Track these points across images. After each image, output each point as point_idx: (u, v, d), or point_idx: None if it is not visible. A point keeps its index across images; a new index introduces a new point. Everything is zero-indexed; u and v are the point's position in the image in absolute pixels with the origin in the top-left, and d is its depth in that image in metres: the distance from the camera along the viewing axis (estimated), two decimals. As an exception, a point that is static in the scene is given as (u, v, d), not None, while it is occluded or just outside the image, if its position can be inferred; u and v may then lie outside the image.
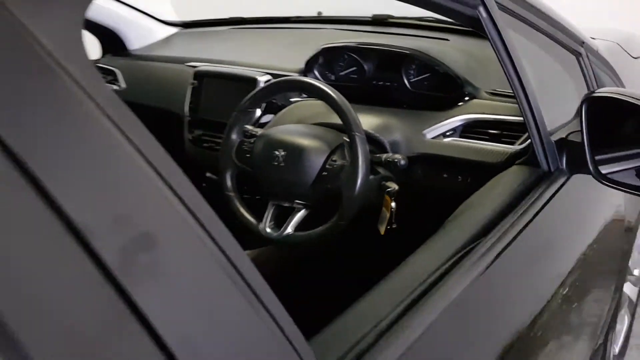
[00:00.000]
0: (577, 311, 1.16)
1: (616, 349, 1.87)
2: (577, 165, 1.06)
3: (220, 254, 0.39)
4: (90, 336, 0.31)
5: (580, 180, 1.09)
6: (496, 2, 0.93)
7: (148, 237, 0.35)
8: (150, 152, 0.36)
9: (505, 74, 0.98)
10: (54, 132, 0.32)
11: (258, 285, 0.41)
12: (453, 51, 1.43)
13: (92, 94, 0.34)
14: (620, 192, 1.15)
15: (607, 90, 1.03)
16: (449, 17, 0.98)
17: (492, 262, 0.78)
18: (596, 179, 1.01)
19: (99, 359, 0.32)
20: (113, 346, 0.32)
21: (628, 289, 1.87)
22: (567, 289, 1.05)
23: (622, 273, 1.50)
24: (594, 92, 1.01)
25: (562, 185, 1.05)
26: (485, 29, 0.94)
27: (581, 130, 1.00)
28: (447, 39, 1.56)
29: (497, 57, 0.97)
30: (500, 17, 0.95)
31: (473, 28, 0.97)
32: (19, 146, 0.31)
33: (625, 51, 1.48)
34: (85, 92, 0.34)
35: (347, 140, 1.15)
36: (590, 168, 1.01)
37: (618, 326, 1.79)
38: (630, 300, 1.92)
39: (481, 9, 0.91)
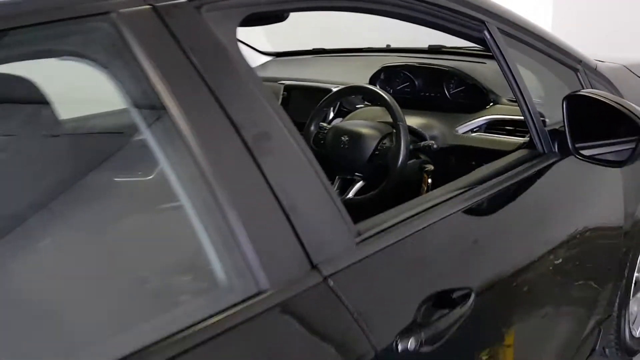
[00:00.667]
0: (569, 279, 1.49)
1: (636, 331, 2.12)
2: (565, 149, 1.42)
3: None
4: None
5: (578, 164, 1.44)
6: (497, 28, 1.34)
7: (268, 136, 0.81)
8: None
9: (507, 81, 1.38)
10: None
11: (327, 183, 0.86)
12: (485, 70, 1.83)
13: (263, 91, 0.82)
14: (621, 182, 1.50)
15: (583, 91, 1.39)
16: (464, 39, 1.39)
17: (485, 198, 1.17)
18: (575, 156, 1.37)
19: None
20: None
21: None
22: (559, 254, 1.41)
23: (627, 254, 1.79)
24: (572, 92, 1.38)
25: (553, 163, 1.41)
26: (490, 47, 1.34)
27: (563, 121, 1.37)
28: (484, 62, 1.96)
29: (500, 68, 1.37)
30: (501, 38, 1.35)
31: (482, 47, 1.38)
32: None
33: (631, 72, 1.82)
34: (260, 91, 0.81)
35: (394, 129, 1.58)
36: (570, 148, 1.37)
37: (635, 308, 2.05)
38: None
39: (485, 32, 1.32)
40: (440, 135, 1.69)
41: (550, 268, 1.40)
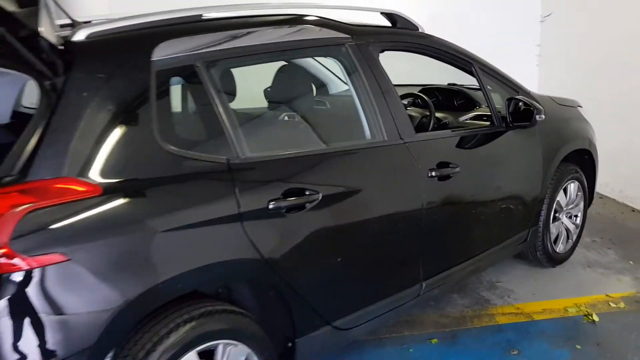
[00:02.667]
0: (512, 198, 3.17)
1: (558, 246, 3.70)
2: (507, 125, 3.08)
3: None
4: None
5: (514, 132, 3.10)
6: (479, 67, 3.04)
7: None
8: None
9: (484, 95, 3.06)
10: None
11: None
12: (474, 92, 3.54)
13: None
14: (539, 141, 3.19)
15: (515, 96, 3.08)
16: (464, 71, 3.08)
17: (471, 136, 2.88)
18: (512, 127, 3.04)
19: None
20: None
21: (565, 220, 3.73)
22: (503, 181, 3.08)
23: (545, 188, 3.41)
24: (510, 97, 3.07)
25: (503, 132, 3.08)
26: (476, 76, 3.04)
27: (506, 111, 3.05)
28: (478, 89, 3.66)
29: (480, 88, 3.05)
30: (480, 72, 3.05)
31: (472, 76, 3.07)
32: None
33: (552, 99, 3.52)
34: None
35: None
36: (510, 124, 3.04)
37: (554, 230, 3.63)
38: (567, 228, 3.76)
39: (473, 68, 3.02)
40: (453, 120, 3.37)
41: (500, 188, 3.08)
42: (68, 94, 1.74)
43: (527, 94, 3.28)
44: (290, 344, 2.24)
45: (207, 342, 1.91)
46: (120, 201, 1.74)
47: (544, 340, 2.93)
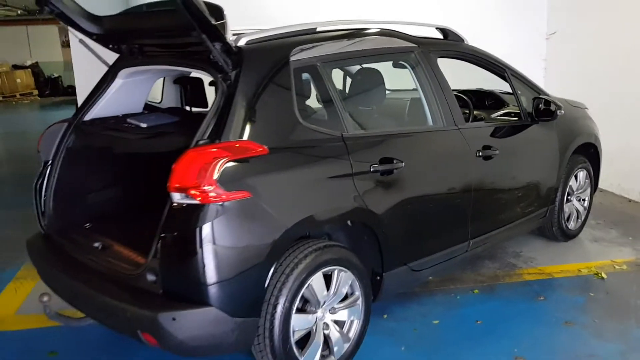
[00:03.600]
0: (536, 179, 3.93)
1: (570, 224, 4.45)
2: (533, 120, 3.84)
3: None
4: None
5: (539, 125, 3.85)
6: (510, 73, 3.80)
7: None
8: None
9: (514, 95, 3.82)
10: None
11: None
12: (504, 96, 4.31)
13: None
14: (556, 136, 3.94)
15: (545, 96, 3.83)
16: (498, 76, 3.83)
17: (505, 129, 3.63)
18: (537, 122, 3.80)
19: None
20: None
21: (575, 203, 4.48)
22: (527, 167, 3.83)
23: (561, 174, 4.16)
24: (535, 96, 3.83)
25: (529, 125, 3.84)
26: (508, 80, 3.80)
27: (532, 108, 3.81)
28: (509, 94, 4.40)
29: (511, 90, 3.81)
30: (512, 77, 3.80)
31: (504, 79, 3.83)
32: None
33: (567, 101, 4.28)
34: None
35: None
36: (535, 119, 3.80)
37: (567, 210, 4.37)
38: (577, 209, 4.51)
39: (506, 73, 3.78)
40: (485, 116, 4.11)
41: (527, 171, 3.83)
42: (241, 83, 2.46)
43: (547, 95, 4.04)
44: (378, 277, 2.95)
45: (327, 267, 2.62)
46: (281, 157, 2.46)
47: (564, 290, 3.66)
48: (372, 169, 2.76)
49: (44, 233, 3.06)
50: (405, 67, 3.32)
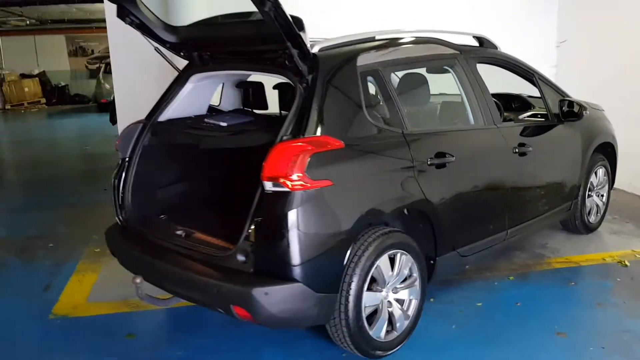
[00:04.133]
0: (561, 176, 4.25)
1: (591, 217, 4.77)
2: (560, 120, 4.17)
3: None
4: None
5: (565, 125, 4.18)
6: (538, 77, 4.13)
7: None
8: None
9: (541, 98, 4.15)
10: None
11: None
12: (532, 99, 4.64)
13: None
14: (579, 135, 4.27)
15: (565, 97, 4.16)
16: (527, 80, 4.16)
17: (533, 127, 3.96)
18: (563, 122, 4.13)
19: None
20: None
21: (595, 198, 4.81)
22: (553, 163, 4.16)
23: (583, 170, 4.48)
24: (561, 98, 4.16)
25: (555, 125, 4.17)
26: (536, 84, 4.13)
27: (559, 109, 4.14)
28: (537, 98, 4.73)
29: (540, 93, 4.14)
30: (540, 81, 4.13)
31: (532, 83, 4.16)
32: None
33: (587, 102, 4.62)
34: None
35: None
36: (562, 119, 4.13)
37: (588, 204, 4.70)
38: (597, 204, 4.83)
39: (534, 77, 4.11)
40: (514, 117, 4.43)
41: (556, 167, 4.16)
42: (318, 85, 2.77)
43: (571, 97, 4.38)
44: (432, 262, 3.25)
45: (391, 250, 2.92)
46: (354, 151, 2.77)
47: (591, 276, 3.98)
48: (429, 162, 3.07)
49: (121, 224, 3.34)
50: (449, 72, 3.64)
